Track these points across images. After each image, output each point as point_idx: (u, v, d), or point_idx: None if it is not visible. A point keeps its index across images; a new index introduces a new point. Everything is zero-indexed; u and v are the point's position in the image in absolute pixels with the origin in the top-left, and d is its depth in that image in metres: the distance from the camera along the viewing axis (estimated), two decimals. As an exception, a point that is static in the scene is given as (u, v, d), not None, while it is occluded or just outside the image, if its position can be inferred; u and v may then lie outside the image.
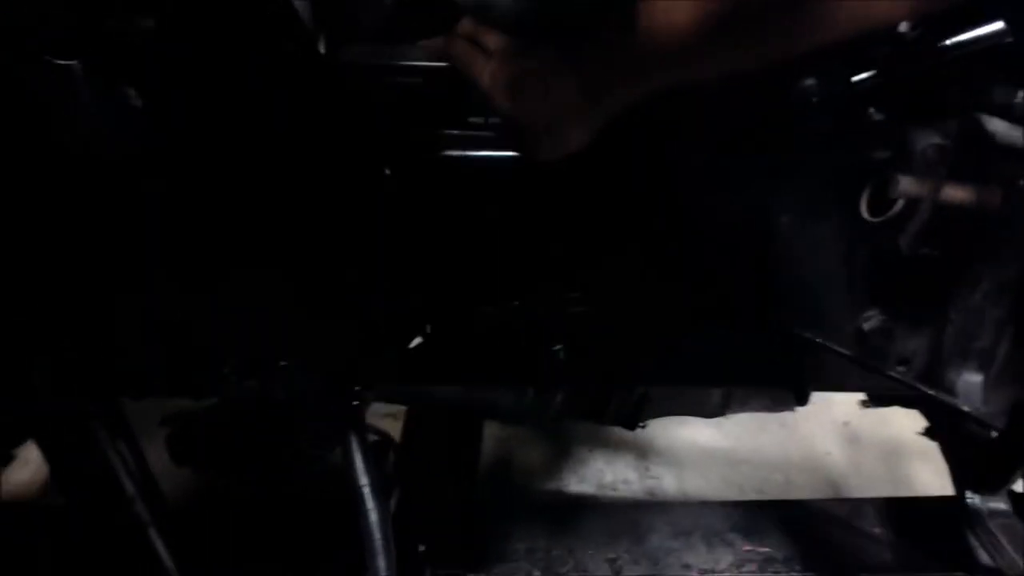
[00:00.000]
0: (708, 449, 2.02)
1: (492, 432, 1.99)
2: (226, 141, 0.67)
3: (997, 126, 0.77)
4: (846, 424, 2.10)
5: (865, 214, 0.83)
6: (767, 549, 1.04)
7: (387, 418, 1.60)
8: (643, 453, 2.01)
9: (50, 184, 0.73)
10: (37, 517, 1.43)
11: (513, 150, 0.83)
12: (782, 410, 1.48)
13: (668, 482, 1.93)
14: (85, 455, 0.95)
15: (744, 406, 1.42)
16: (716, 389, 1.33)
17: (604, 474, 1.95)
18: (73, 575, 1.05)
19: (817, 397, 1.43)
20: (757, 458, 2.01)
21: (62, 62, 0.58)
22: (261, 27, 0.60)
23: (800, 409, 2.14)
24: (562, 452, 2.02)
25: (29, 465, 1.87)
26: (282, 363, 0.86)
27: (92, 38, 0.55)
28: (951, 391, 0.87)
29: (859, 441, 2.05)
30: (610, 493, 1.88)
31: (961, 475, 0.94)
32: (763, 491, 1.92)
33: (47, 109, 0.59)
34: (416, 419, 1.39)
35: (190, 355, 0.90)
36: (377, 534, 0.81)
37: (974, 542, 0.96)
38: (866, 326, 0.91)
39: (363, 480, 0.81)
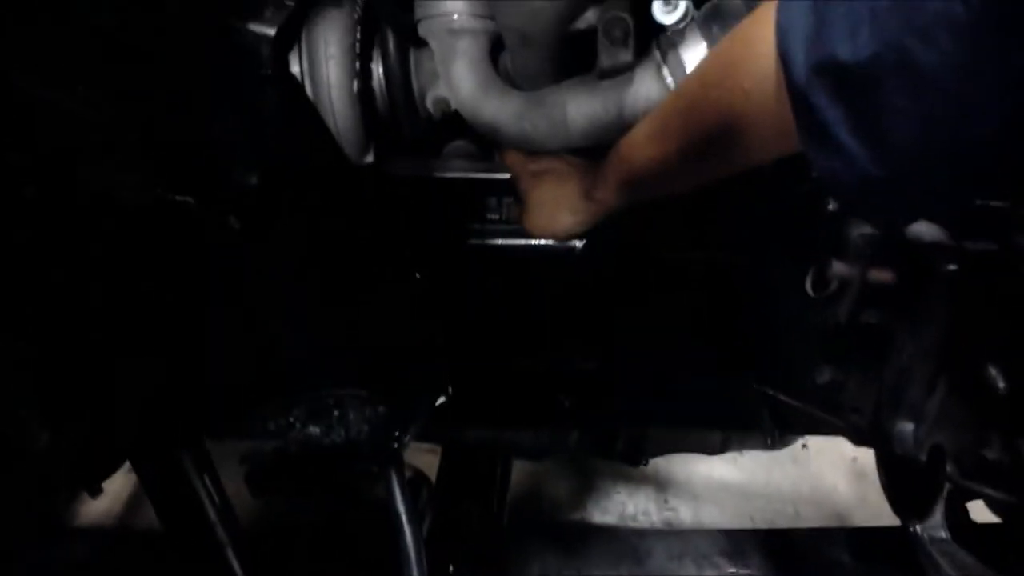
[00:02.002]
0: (723, 483, 2.18)
1: (524, 468, 2.17)
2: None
3: (910, 222, 0.95)
4: (854, 460, 2.24)
5: (809, 291, 1.01)
6: (747, 571, 1.21)
7: (428, 453, 1.81)
8: (663, 487, 2.17)
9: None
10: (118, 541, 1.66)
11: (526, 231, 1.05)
12: (779, 449, 1.65)
13: (685, 513, 2.10)
14: (176, 487, 1.16)
15: (742, 445, 1.59)
16: (715, 431, 1.51)
17: (626, 506, 2.12)
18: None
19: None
20: (769, 492, 2.17)
21: (181, 198, 0.80)
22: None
23: (811, 446, 2.30)
24: (588, 486, 2.19)
25: (107, 496, 2.11)
26: (337, 412, 1.07)
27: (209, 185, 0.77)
28: (889, 437, 1.04)
29: (866, 476, 2.19)
30: (630, 523, 2.05)
31: (901, 507, 1.10)
32: (774, 522, 2.07)
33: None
34: (451, 456, 1.56)
35: (263, 404, 1.12)
36: (412, 554, 1.00)
37: (923, 566, 1.12)
38: (819, 380, 1.08)
39: (400, 509, 1.01)
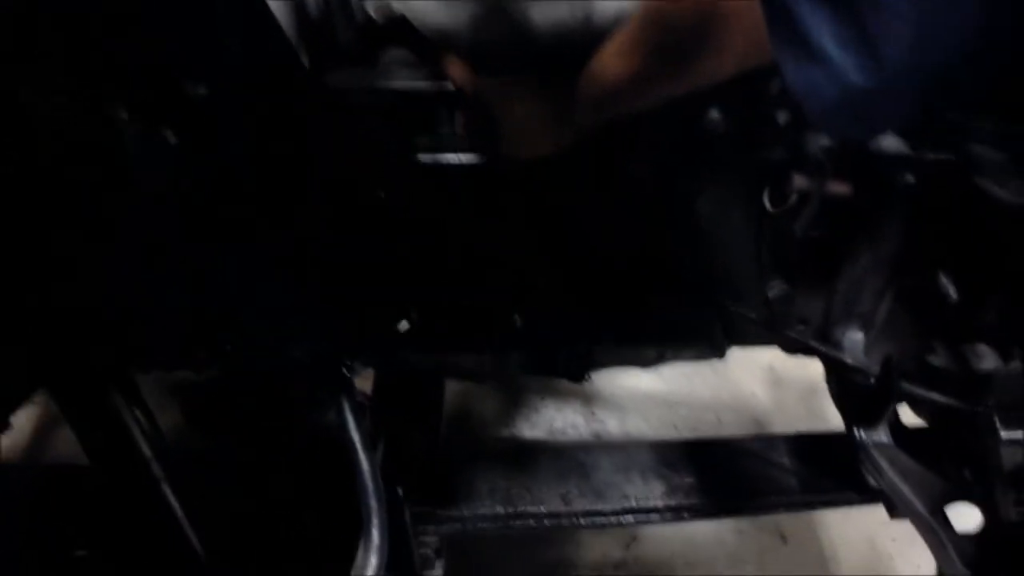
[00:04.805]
0: (647, 394, 2.22)
1: (451, 386, 2.16)
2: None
3: (870, 133, 0.94)
4: (771, 368, 2.31)
5: (767, 205, 1.00)
6: (692, 479, 1.23)
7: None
8: (589, 400, 2.20)
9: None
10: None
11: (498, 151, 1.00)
12: (709, 359, 1.68)
13: (612, 425, 2.13)
14: (105, 422, 1.09)
15: (677, 357, 1.61)
16: (651, 346, 1.51)
17: (554, 420, 2.14)
18: (99, 530, 1.19)
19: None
20: (691, 400, 2.22)
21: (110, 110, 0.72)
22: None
23: (729, 355, 2.36)
24: (515, 401, 2.20)
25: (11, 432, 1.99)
26: (280, 339, 1.01)
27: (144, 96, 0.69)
28: (838, 346, 1.06)
29: (781, 383, 2.27)
30: (560, 437, 2.07)
31: (848, 413, 1.13)
32: (697, 430, 2.13)
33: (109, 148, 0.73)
34: (384, 378, 1.52)
35: (196, 334, 1.05)
36: (369, 481, 0.97)
37: (864, 469, 1.16)
38: (770, 294, 1.09)
39: (356, 437, 0.97)
